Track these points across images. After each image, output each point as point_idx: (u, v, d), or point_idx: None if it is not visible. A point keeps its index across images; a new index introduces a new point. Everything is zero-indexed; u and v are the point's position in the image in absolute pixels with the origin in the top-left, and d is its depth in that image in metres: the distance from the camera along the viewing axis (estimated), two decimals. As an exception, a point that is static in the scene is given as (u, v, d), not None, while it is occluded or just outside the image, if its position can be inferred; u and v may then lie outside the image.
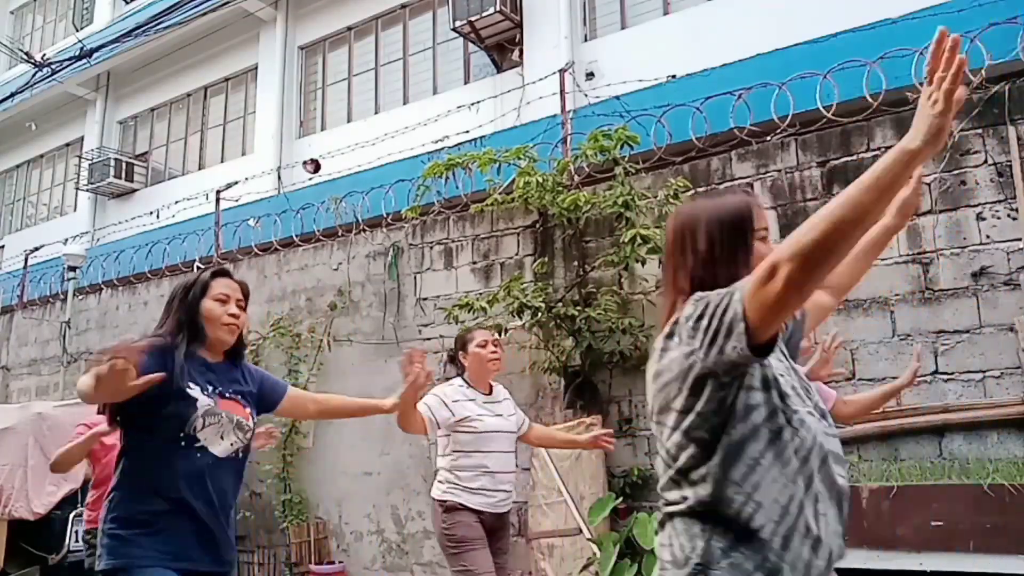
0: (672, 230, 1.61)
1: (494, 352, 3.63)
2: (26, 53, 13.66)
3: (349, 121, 11.43)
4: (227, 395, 2.38)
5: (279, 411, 2.68)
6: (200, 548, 2.26)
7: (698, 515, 1.44)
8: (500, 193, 6.03)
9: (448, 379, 3.79)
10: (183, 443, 2.24)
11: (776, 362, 1.47)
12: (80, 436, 3.71)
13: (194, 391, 2.28)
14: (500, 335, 5.62)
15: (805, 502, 1.39)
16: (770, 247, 1.53)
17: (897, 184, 1.22)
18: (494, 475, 3.49)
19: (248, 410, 2.44)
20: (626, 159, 5.60)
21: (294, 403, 2.71)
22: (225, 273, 2.45)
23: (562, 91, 7.08)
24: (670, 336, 1.48)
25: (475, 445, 3.48)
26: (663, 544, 1.50)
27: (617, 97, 6.50)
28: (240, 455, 2.39)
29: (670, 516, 1.50)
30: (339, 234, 7.38)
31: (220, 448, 2.32)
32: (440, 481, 3.56)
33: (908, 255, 4.73)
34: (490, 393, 3.66)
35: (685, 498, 1.46)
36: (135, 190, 13.72)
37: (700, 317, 1.39)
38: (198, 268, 8.17)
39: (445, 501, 3.48)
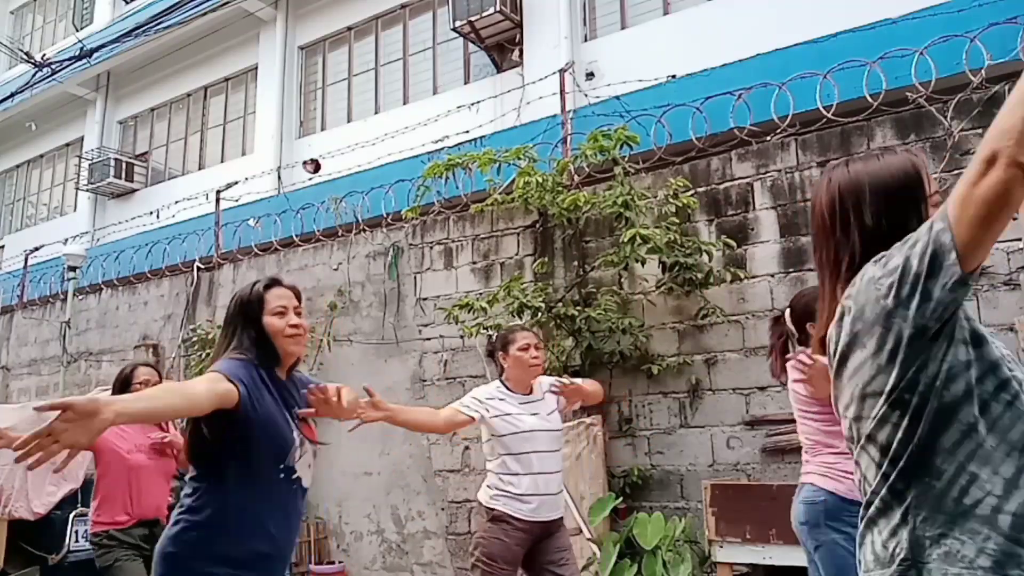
0: (827, 202, 1.41)
1: (535, 357, 3.52)
2: (26, 53, 13.66)
3: (349, 121, 11.43)
4: (303, 419, 2.25)
5: None
6: None
7: (896, 501, 1.24)
8: (500, 193, 6.03)
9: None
10: (281, 475, 2.11)
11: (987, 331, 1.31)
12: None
13: (289, 416, 2.15)
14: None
15: None
16: None
17: None
18: (538, 476, 3.37)
19: (316, 431, 2.29)
20: (626, 159, 5.60)
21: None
22: (276, 283, 2.30)
23: (562, 91, 7.07)
24: (852, 314, 1.29)
25: (519, 447, 3.38)
26: (861, 543, 1.32)
27: (617, 97, 6.50)
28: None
29: (872, 519, 1.30)
30: (339, 234, 7.38)
31: (308, 478, 2.20)
32: (488, 486, 3.47)
33: (908, 255, 4.72)
34: (530, 392, 3.57)
35: (887, 482, 1.27)
36: (135, 190, 13.72)
37: (891, 273, 1.22)
38: (197, 268, 8.21)
39: (493, 510, 3.39)
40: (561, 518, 3.52)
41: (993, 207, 1.12)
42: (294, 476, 2.13)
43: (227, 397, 1.98)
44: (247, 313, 2.22)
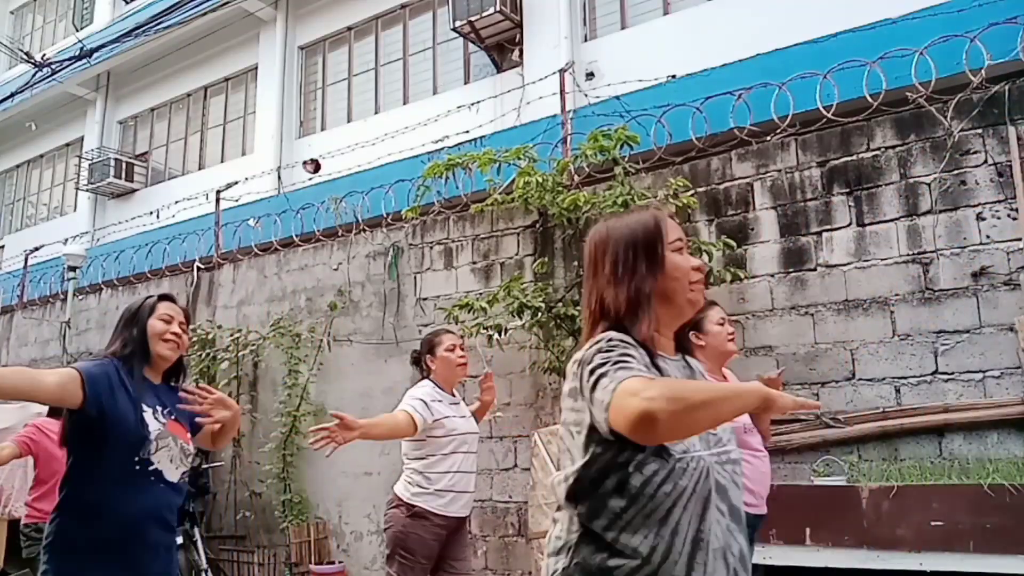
0: (588, 252, 1.66)
1: (462, 356, 3.70)
2: (26, 53, 13.65)
3: (349, 121, 11.43)
4: (174, 418, 2.42)
5: (196, 439, 2.65)
6: (149, 571, 2.30)
7: (568, 538, 1.49)
8: (500, 193, 6.03)
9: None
10: (137, 467, 2.26)
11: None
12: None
13: (147, 413, 2.31)
14: (500, 335, 5.63)
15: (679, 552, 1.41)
16: (687, 258, 1.61)
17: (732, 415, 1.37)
18: (465, 475, 3.59)
19: (189, 435, 2.47)
20: (626, 159, 5.60)
21: (205, 433, 2.69)
22: (170, 298, 2.59)
23: (562, 91, 7.07)
24: (579, 365, 1.48)
25: (452, 447, 3.56)
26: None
27: (617, 97, 6.50)
28: (184, 480, 2.42)
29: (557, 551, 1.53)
30: (339, 234, 7.37)
31: (173, 473, 2.34)
32: (408, 482, 3.60)
33: (908, 255, 4.73)
34: (452, 395, 3.75)
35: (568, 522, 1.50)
36: (135, 190, 13.73)
37: (588, 376, 1.40)
38: (197, 268, 8.21)
39: (413, 506, 3.53)
40: (469, 516, 3.73)
41: (626, 427, 1.28)
42: (151, 468, 2.29)
43: (72, 396, 2.19)
44: (134, 317, 2.49)
